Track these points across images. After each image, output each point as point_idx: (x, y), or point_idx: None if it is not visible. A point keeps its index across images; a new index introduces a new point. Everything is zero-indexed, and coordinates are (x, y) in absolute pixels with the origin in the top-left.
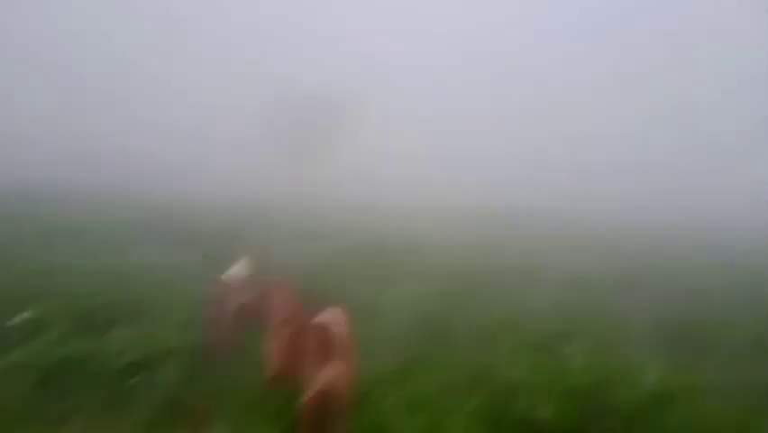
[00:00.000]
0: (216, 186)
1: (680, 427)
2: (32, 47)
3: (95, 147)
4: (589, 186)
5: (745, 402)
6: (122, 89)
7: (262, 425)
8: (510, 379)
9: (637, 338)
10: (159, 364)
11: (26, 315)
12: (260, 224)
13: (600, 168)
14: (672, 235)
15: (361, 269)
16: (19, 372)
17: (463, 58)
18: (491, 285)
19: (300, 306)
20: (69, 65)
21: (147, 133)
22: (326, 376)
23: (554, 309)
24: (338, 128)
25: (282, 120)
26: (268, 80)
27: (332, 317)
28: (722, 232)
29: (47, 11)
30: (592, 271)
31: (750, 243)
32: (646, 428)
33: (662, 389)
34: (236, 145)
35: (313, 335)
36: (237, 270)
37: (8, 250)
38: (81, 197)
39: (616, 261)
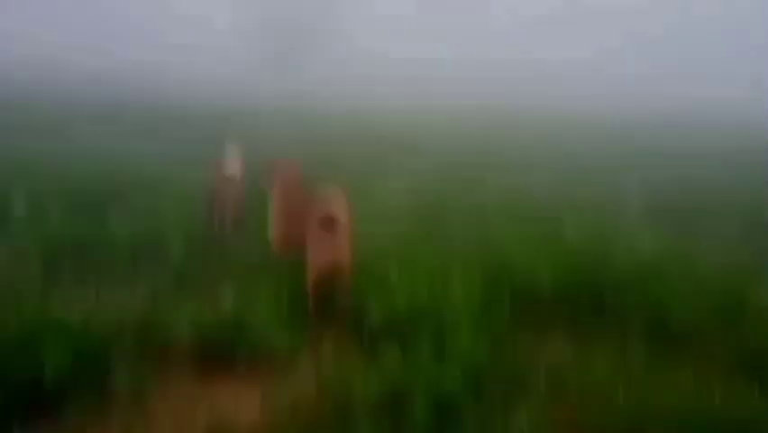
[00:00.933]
0: (206, 83)
1: (674, 294)
2: None
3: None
4: (590, 70)
5: (738, 269)
6: None
7: (269, 296)
8: (509, 251)
9: (634, 212)
10: (164, 241)
11: (22, 201)
12: (253, 116)
13: (606, 48)
14: (673, 120)
15: (358, 156)
16: (24, 256)
17: None
18: (489, 168)
19: (300, 181)
20: None
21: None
22: (329, 250)
23: (552, 187)
24: (328, 27)
25: (270, 17)
26: None
27: (332, 197)
28: (721, 116)
29: None
30: (591, 152)
31: (747, 126)
32: (642, 295)
33: (658, 257)
34: (224, 45)
35: (314, 210)
36: (231, 151)
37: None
38: (71, 84)
39: (614, 142)
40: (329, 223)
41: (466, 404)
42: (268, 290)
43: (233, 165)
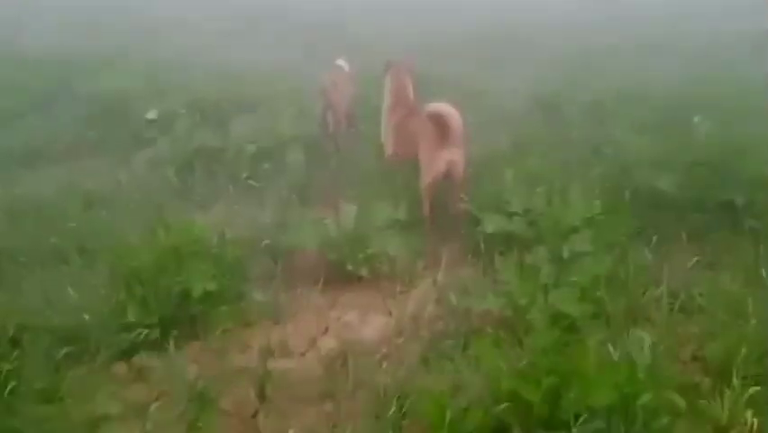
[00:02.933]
0: None
1: None
2: None
3: None
4: None
5: None
6: None
7: (387, 203)
8: (630, 150)
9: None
10: (284, 151)
11: (152, 114)
12: (354, 21)
13: None
14: None
15: (468, 52)
16: (159, 164)
17: None
18: (603, 62)
19: (411, 89)
20: None
21: None
22: (443, 159)
23: (676, 81)
24: None
25: None
26: None
27: (444, 106)
28: None
29: None
30: (716, 39)
31: None
32: None
33: None
34: None
35: (427, 120)
36: (341, 62)
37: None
38: None
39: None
40: (442, 133)
41: (585, 322)
42: (385, 199)
43: (343, 65)
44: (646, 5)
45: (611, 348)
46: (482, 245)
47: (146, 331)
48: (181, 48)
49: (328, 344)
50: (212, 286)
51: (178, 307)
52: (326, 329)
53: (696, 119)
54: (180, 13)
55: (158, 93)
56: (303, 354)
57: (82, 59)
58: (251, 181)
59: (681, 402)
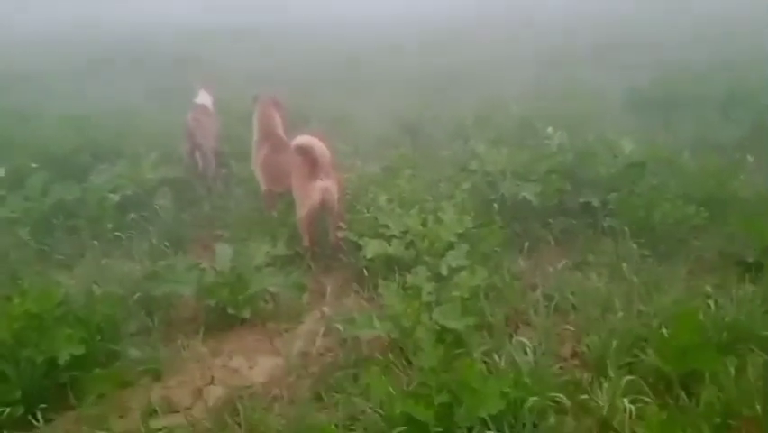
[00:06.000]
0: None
1: (659, 187)
2: None
3: None
4: None
5: (718, 158)
6: None
7: (264, 240)
8: (493, 166)
9: (612, 109)
10: (151, 198)
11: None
12: (216, 45)
13: None
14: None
15: (334, 79)
16: (11, 225)
17: None
18: (464, 81)
19: (279, 122)
20: None
21: None
22: (315, 190)
23: (530, 94)
24: None
25: None
26: None
27: (307, 138)
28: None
29: None
30: (564, 47)
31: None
32: (627, 194)
33: (639, 156)
34: None
35: (297, 154)
36: (203, 96)
37: None
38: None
39: (587, 34)
40: (312, 167)
41: (470, 334)
42: (262, 236)
43: (205, 99)
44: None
45: (496, 357)
46: (365, 272)
47: (8, 409)
48: (25, 97)
49: (215, 393)
50: (79, 350)
51: (43, 378)
52: (212, 378)
53: (549, 130)
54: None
55: (7, 145)
56: (189, 408)
57: None
58: (117, 233)
59: (565, 400)
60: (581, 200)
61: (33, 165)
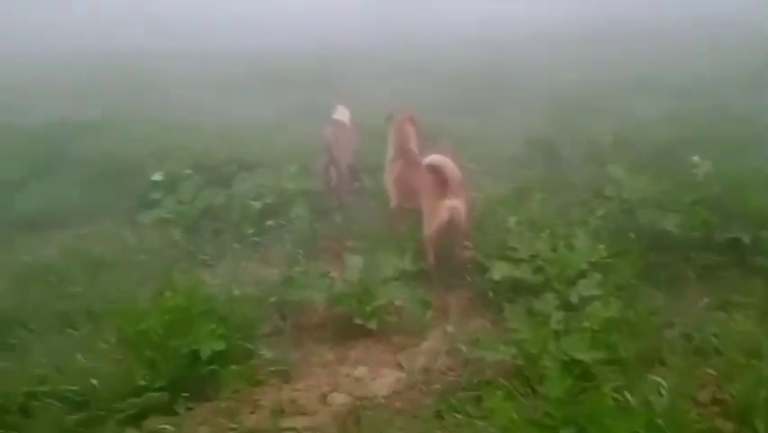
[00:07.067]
0: (298, 33)
1: None
2: None
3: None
4: None
5: None
6: None
7: (392, 255)
8: (632, 193)
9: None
10: (289, 207)
11: (158, 175)
12: (349, 66)
13: None
14: None
15: (463, 99)
16: (165, 225)
17: None
18: (600, 101)
19: (413, 140)
20: None
21: None
22: (444, 209)
23: (670, 119)
24: None
25: None
26: None
27: (438, 157)
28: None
29: None
30: (708, 74)
31: None
32: None
33: None
34: None
35: (428, 173)
36: (341, 113)
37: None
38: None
39: (732, 59)
40: (442, 186)
41: (599, 368)
42: (390, 250)
43: (343, 115)
44: (632, 47)
45: (628, 394)
46: (490, 293)
47: (156, 395)
48: (183, 106)
49: (339, 400)
50: (220, 346)
51: (187, 368)
52: (337, 385)
53: (695, 158)
54: (179, 70)
55: (164, 153)
56: (315, 412)
57: (84, 122)
58: (256, 238)
59: None
60: (729, 236)
61: (187, 171)
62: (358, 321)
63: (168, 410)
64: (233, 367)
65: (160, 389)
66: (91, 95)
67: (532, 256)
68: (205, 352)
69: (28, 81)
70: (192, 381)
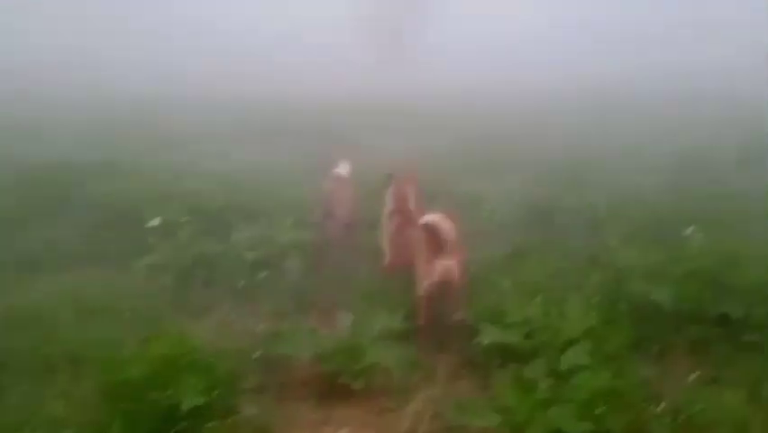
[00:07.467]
0: (305, 85)
1: None
2: None
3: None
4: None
5: None
6: None
7: (383, 313)
8: (625, 262)
9: (759, 215)
10: (282, 260)
11: (156, 221)
12: (354, 121)
13: None
14: None
15: (463, 161)
16: (158, 271)
17: None
18: (595, 170)
19: (411, 199)
20: None
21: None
22: (439, 270)
23: (667, 191)
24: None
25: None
26: None
27: (437, 217)
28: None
29: None
30: (704, 147)
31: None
32: None
33: None
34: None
35: (423, 232)
36: (342, 167)
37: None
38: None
39: (731, 135)
40: (437, 244)
41: None
42: (381, 307)
43: (344, 169)
44: (632, 117)
45: None
46: (479, 357)
47: None
48: (186, 151)
49: None
50: (201, 400)
51: (165, 422)
52: None
53: (688, 230)
54: (190, 119)
55: (164, 199)
56: None
57: (89, 164)
58: (247, 289)
59: None
60: (721, 310)
61: (186, 218)
62: (343, 380)
63: None
64: (212, 423)
65: None
66: (98, 138)
67: (523, 321)
68: (186, 405)
69: (39, 119)
70: None
